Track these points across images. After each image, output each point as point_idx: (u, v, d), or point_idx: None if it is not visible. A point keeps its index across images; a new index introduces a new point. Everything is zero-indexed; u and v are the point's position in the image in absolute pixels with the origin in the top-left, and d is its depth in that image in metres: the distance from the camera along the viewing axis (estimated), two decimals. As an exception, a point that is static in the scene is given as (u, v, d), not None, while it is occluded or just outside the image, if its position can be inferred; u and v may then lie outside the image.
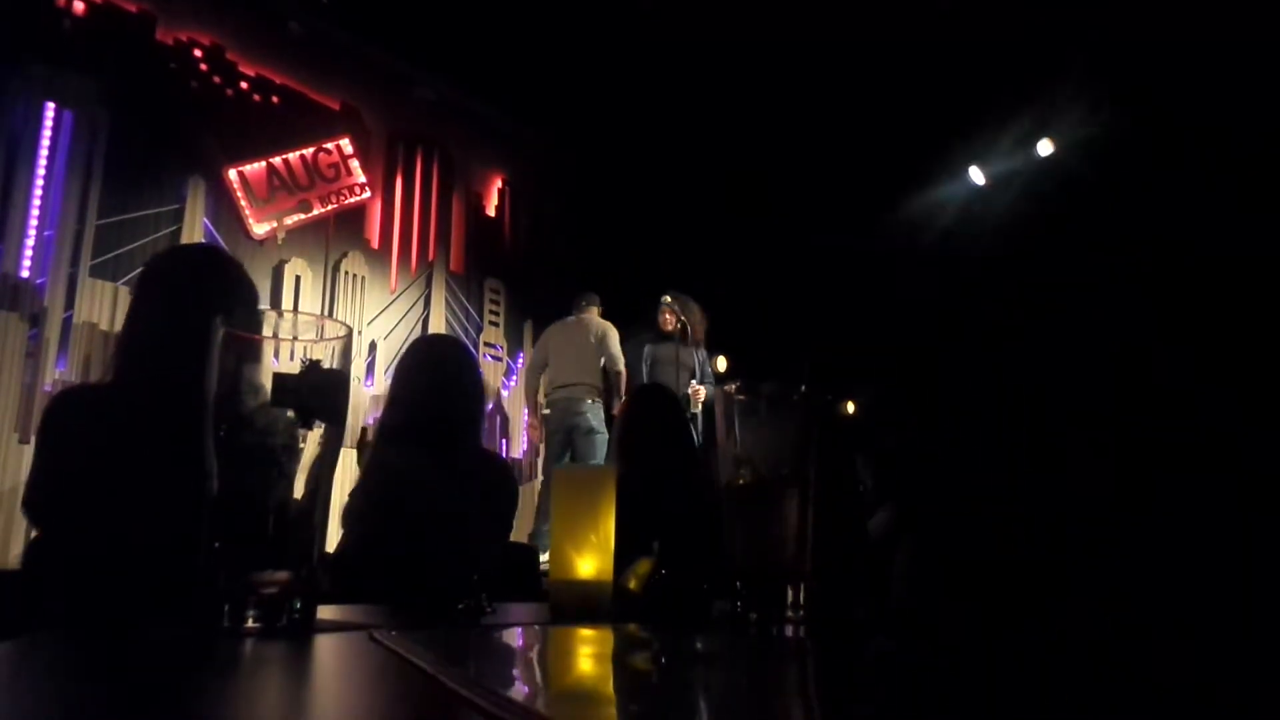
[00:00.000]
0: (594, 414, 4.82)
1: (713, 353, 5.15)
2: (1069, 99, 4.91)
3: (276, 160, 5.32)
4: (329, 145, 5.58)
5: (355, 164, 5.68)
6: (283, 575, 0.63)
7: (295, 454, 0.66)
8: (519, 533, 4.09)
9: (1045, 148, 5.23)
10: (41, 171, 4.32)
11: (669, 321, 4.90)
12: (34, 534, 1.30)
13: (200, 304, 1.36)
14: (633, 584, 1.01)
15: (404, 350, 2.05)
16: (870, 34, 4.74)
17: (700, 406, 4.73)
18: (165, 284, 1.44)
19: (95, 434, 1.28)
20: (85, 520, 1.24)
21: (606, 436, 4.69)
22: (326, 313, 5.34)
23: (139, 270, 1.49)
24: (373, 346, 5.57)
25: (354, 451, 3.16)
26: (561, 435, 4.83)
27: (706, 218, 6.04)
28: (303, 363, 0.67)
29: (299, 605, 0.64)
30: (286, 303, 5.09)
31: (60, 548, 1.24)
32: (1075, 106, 4.93)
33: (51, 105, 4.41)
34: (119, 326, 1.96)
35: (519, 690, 0.46)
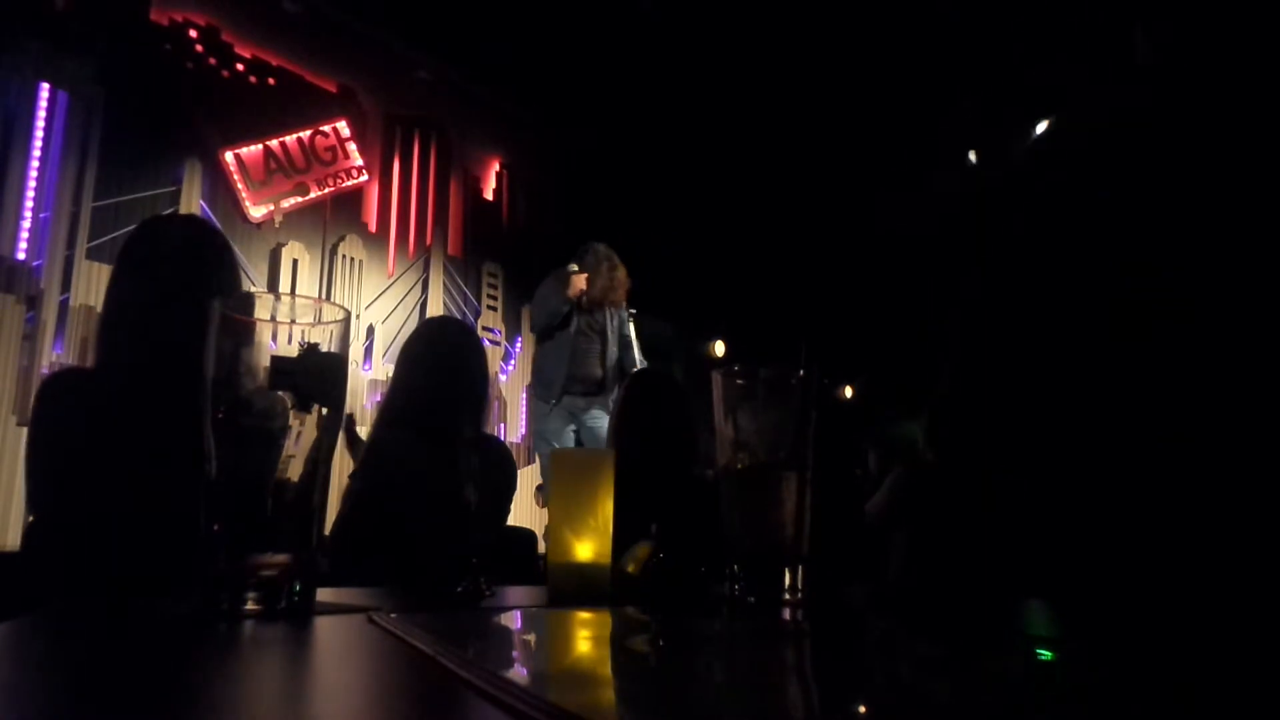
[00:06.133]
0: None
1: (711, 337, 5.14)
2: (1068, 79, 4.88)
3: (273, 143, 5.29)
4: (326, 128, 5.54)
5: (352, 147, 5.65)
6: (282, 558, 0.63)
7: (293, 437, 0.65)
8: (517, 516, 4.10)
9: (1044, 129, 5.19)
10: (37, 153, 4.29)
11: None
12: (31, 516, 1.30)
13: (183, 277, 1.35)
14: (631, 567, 1.01)
15: (410, 333, 2.04)
16: (869, 8, 4.70)
17: None
18: (147, 258, 1.41)
19: (88, 416, 1.28)
20: (81, 502, 1.24)
21: None
22: (324, 296, 5.33)
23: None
24: (370, 330, 5.56)
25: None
26: None
27: (705, 201, 6.02)
28: (300, 346, 0.67)
29: (298, 588, 0.64)
30: (284, 286, 5.08)
31: (58, 530, 1.24)
32: (1076, 85, 4.89)
33: (46, 86, 4.37)
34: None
35: (518, 672, 0.47)
